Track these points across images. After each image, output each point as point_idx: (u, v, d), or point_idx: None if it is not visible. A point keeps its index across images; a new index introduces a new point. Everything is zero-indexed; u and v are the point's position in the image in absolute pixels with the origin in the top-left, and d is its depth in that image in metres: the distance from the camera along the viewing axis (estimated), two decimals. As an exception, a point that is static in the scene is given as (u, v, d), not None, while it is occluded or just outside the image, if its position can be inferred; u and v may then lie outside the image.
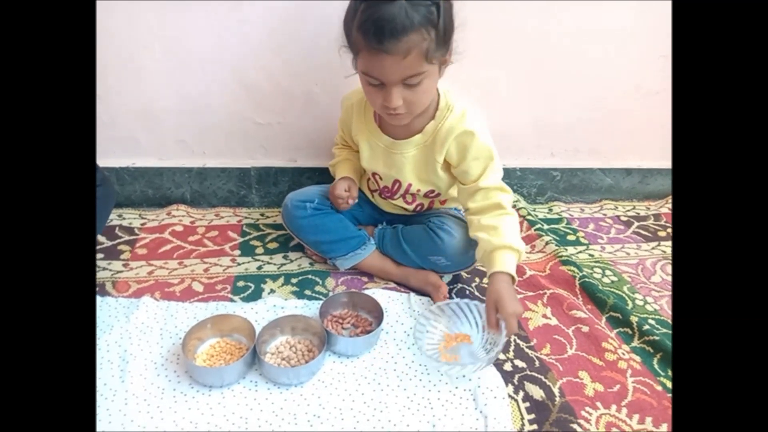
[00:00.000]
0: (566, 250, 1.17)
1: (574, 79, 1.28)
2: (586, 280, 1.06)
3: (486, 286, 1.03)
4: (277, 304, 0.93)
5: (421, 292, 1.00)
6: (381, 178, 1.02)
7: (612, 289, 1.07)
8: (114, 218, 1.19)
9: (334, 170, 1.09)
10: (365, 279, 1.05)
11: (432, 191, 1.01)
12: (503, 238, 0.87)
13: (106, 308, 0.90)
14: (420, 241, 1.00)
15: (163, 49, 1.09)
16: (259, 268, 1.06)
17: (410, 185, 1.00)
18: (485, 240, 0.89)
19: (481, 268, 1.09)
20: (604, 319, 0.98)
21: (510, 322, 0.79)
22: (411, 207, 1.06)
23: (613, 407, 0.79)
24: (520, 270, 1.09)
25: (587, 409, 0.78)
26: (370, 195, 1.11)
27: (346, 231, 1.05)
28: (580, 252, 1.22)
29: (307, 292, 0.99)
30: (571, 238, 1.28)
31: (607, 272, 1.14)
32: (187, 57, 1.11)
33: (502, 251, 0.86)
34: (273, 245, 1.14)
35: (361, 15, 0.76)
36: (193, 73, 1.13)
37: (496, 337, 0.81)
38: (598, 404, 0.79)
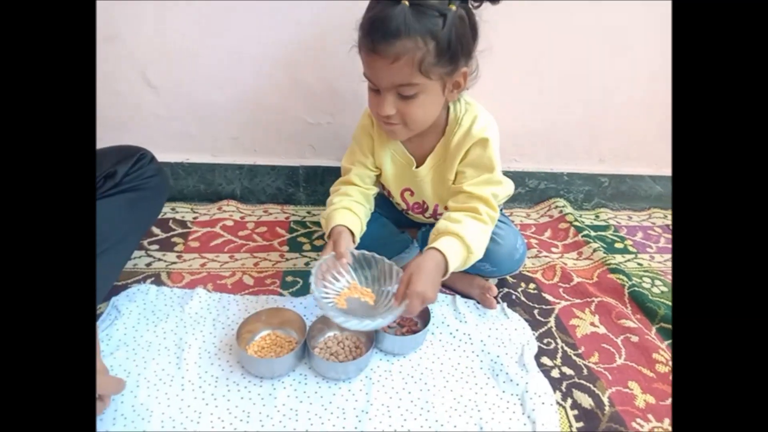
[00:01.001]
0: (614, 258, 1.15)
1: (626, 82, 1.26)
2: (636, 289, 1.03)
3: (532, 291, 1.03)
4: (325, 300, 0.95)
5: (466, 295, 1.00)
6: (412, 194, 0.99)
7: (662, 300, 1.04)
8: (168, 211, 1.23)
9: (326, 222, 0.92)
10: (410, 279, 1.05)
11: None
12: (460, 228, 0.81)
13: (162, 297, 0.94)
14: None
15: (220, 47, 1.13)
16: (307, 264, 1.08)
17: (437, 206, 0.99)
18: (440, 223, 0.83)
19: (527, 273, 1.08)
20: (654, 330, 0.95)
21: (412, 302, 0.74)
22: None
23: (666, 421, 0.77)
24: (566, 276, 1.08)
25: (638, 420, 0.76)
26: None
27: (389, 235, 1.06)
28: (629, 261, 1.20)
29: (353, 290, 1.00)
30: (618, 246, 1.26)
31: (657, 282, 1.11)
32: (243, 55, 1.14)
33: (451, 237, 0.80)
34: (320, 242, 1.16)
35: (366, 13, 0.76)
36: (248, 71, 1.16)
37: (396, 309, 0.76)
38: (650, 417, 0.77)
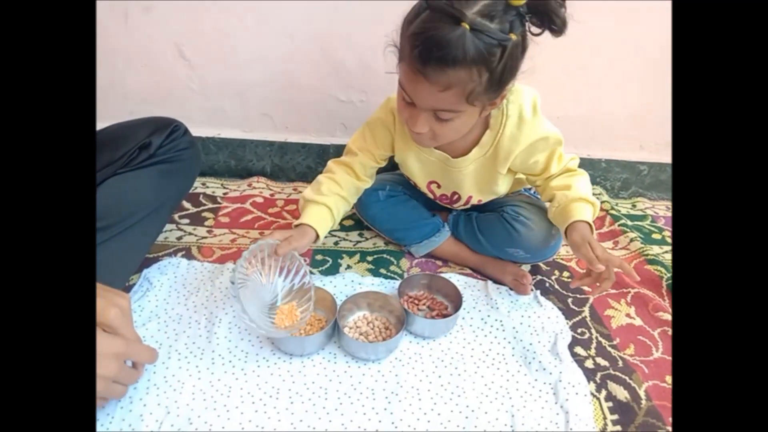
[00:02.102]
0: (652, 249, 1.11)
1: (668, 69, 1.20)
2: (675, 281, 1.00)
3: (566, 279, 1.00)
4: (354, 279, 0.94)
5: (499, 281, 0.98)
6: (439, 186, 0.97)
7: (702, 294, 1.00)
8: (198, 186, 1.23)
9: (303, 204, 0.90)
10: (440, 263, 1.04)
11: (494, 199, 0.99)
12: (578, 191, 0.85)
13: (192, 271, 0.94)
14: (496, 233, 0.97)
15: (255, 23, 1.11)
16: (336, 243, 1.07)
17: (470, 197, 0.97)
18: (560, 195, 0.87)
19: (561, 261, 1.06)
20: (693, 325, 0.92)
21: (612, 260, 0.76)
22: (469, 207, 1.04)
23: (705, 417, 0.74)
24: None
25: (676, 416, 0.74)
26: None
27: (420, 218, 1.04)
28: (666, 252, 1.15)
29: (383, 271, 0.99)
30: (656, 236, 1.21)
31: (696, 276, 1.07)
32: (278, 32, 1.13)
33: (579, 203, 0.84)
34: (348, 222, 1.14)
35: (418, 24, 0.66)
36: (281, 47, 1.14)
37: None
38: (689, 413, 0.74)
